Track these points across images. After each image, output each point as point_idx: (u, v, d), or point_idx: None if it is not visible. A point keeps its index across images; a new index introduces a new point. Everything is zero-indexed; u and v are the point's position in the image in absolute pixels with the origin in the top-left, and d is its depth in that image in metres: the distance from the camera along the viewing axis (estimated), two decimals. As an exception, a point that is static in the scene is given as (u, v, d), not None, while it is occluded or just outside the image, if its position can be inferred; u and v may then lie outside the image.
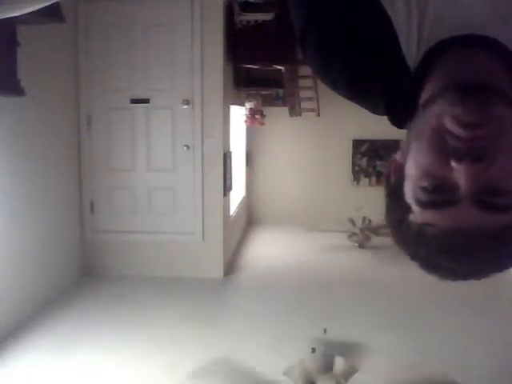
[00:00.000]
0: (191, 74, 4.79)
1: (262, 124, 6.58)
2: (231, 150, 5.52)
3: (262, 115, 6.51)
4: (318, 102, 6.60)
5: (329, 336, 2.91)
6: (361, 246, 6.14)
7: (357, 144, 7.24)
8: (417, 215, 0.62)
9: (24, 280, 3.82)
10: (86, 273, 4.86)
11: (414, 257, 0.66)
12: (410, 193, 0.63)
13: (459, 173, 0.57)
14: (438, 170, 0.59)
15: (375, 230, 5.88)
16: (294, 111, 6.77)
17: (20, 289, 3.77)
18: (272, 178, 7.41)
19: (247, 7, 5.14)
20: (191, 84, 4.80)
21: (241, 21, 5.31)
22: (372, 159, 7.24)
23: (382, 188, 0.71)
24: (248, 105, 6.38)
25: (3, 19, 1.21)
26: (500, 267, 0.63)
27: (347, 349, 3.13)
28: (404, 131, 0.70)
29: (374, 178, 7.24)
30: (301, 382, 2.50)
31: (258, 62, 5.74)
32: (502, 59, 0.64)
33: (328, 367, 2.47)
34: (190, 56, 4.77)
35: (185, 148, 4.86)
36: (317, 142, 7.29)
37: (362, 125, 6.37)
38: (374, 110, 0.76)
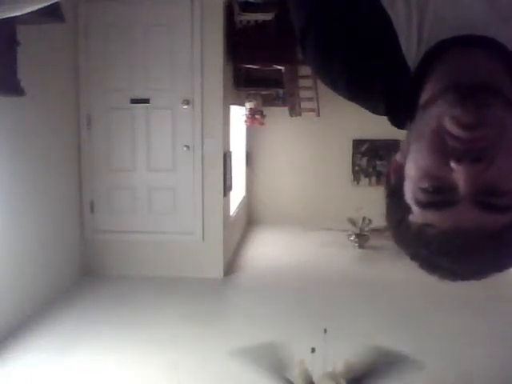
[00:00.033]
0: (191, 74, 4.79)
1: (261, 124, 6.58)
2: (231, 150, 5.52)
3: (262, 115, 6.51)
4: (318, 102, 6.60)
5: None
6: (361, 246, 6.14)
7: (357, 144, 7.24)
8: (416, 216, 0.62)
9: (24, 280, 3.82)
10: (86, 273, 4.86)
11: (414, 257, 0.66)
12: (409, 193, 0.63)
13: (458, 174, 0.57)
14: (437, 171, 0.59)
15: (375, 231, 5.88)
16: (294, 111, 6.77)
17: (20, 289, 3.77)
18: (272, 178, 7.41)
19: (247, 7, 5.14)
20: (191, 84, 4.80)
21: (241, 21, 5.31)
22: (372, 159, 7.25)
23: (382, 188, 0.71)
24: (248, 105, 6.38)
25: (3, 19, 1.21)
26: (500, 267, 0.63)
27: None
28: (404, 131, 0.70)
29: (373, 178, 7.24)
30: (301, 382, 2.50)
31: (258, 62, 5.74)
32: (502, 59, 0.64)
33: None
34: (190, 56, 4.77)
35: (185, 148, 4.86)
36: (317, 142, 7.29)
37: (361, 125, 6.37)
38: (374, 110, 0.76)
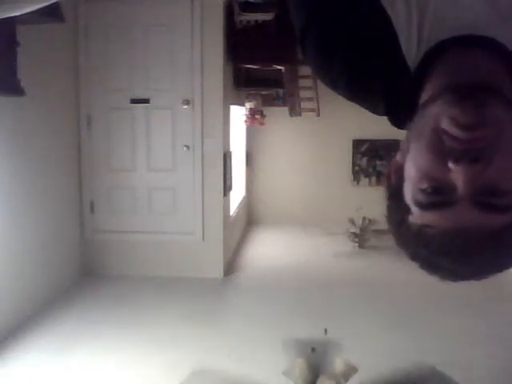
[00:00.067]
0: (191, 74, 4.79)
1: (261, 124, 6.58)
2: (231, 150, 5.52)
3: (262, 115, 6.51)
4: (318, 102, 6.60)
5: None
6: (361, 246, 6.14)
7: (357, 144, 7.24)
8: (416, 216, 0.62)
9: (24, 280, 3.82)
10: (86, 273, 4.86)
11: (414, 257, 0.66)
12: (409, 194, 0.63)
13: (457, 174, 0.57)
14: (436, 172, 0.59)
15: (375, 231, 5.88)
16: (294, 111, 6.77)
17: (20, 289, 3.77)
18: (272, 178, 7.41)
19: (247, 7, 5.14)
20: (191, 84, 4.80)
21: (241, 21, 5.31)
22: (372, 159, 7.25)
23: (382, 188, 0.71)
24: (248, 105, 6.38)
25: (3, 19, 1.21)
26: (500, 267, 0.63)
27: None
28: (404, 131, 0.70)
29: (373, 178, 7.24)
30: (301, 382, 2.50)
31: (258, 62, 5.74)
32: (502, 59, 0.64)
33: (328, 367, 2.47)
34: (190, 56, 4.77)
35: (185, 148, 4.86)
36: (317, 142, 7.29)
37: (362, 125, 6.37)
38: (374, 110, 0.76)
